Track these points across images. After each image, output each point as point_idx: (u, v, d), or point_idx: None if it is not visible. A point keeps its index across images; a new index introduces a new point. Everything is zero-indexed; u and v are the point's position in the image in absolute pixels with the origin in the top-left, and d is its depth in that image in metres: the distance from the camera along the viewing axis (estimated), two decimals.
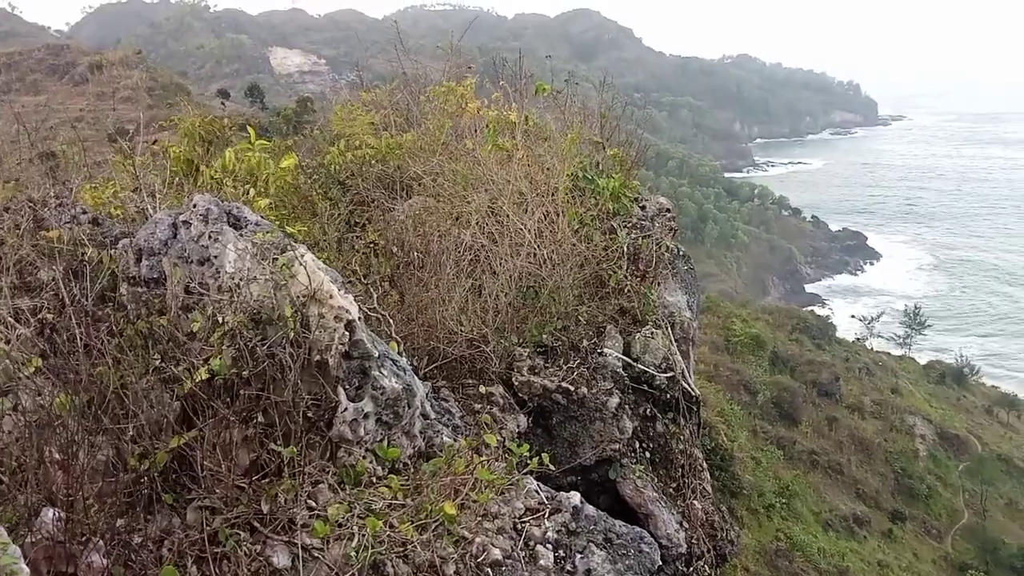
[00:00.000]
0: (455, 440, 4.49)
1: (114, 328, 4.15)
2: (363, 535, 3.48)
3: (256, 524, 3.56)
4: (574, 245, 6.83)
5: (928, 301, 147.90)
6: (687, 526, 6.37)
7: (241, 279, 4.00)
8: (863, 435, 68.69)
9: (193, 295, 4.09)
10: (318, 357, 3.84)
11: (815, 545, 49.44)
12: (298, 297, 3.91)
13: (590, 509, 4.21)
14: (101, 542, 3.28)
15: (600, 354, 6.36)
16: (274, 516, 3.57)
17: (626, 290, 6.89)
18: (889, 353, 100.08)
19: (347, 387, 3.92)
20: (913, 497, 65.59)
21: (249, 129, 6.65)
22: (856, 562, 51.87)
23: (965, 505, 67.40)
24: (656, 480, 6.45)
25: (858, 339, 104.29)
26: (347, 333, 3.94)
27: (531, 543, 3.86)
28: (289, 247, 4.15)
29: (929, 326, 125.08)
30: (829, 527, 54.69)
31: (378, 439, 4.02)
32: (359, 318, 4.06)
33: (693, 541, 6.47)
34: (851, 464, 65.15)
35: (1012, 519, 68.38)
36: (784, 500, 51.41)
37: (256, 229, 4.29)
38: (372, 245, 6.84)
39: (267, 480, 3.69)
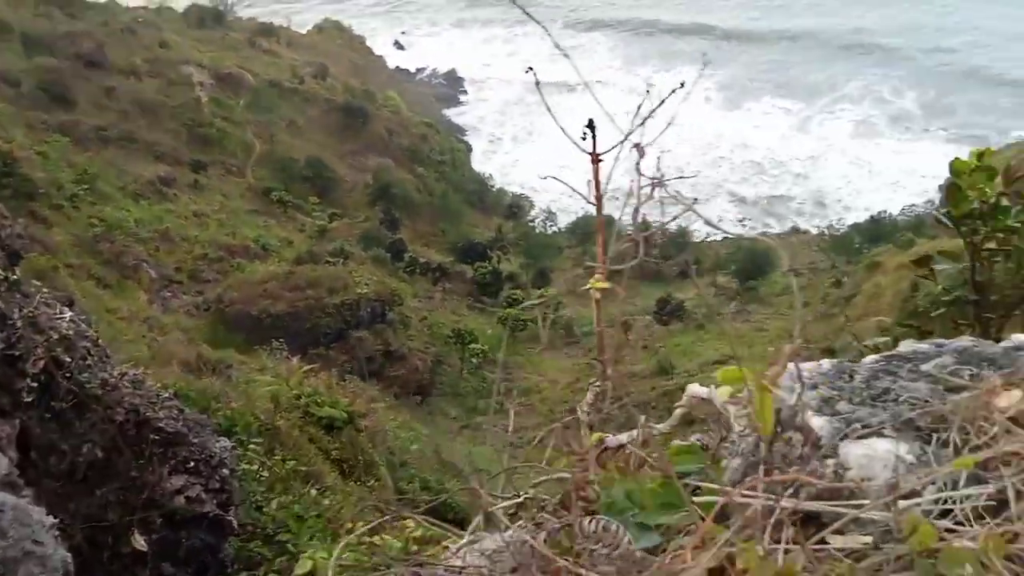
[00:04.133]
0: None
1: None
2: None
3: None
4: None
5: None
6: None
7: None
8: (144, 97, 67.86)
9: None
10: None
11: (131, 218, 49.74)
12: None
13: None
14: None
15: None
16: None
17: None
18: (146, 7, 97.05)
19: None
20: (208, 144, 68.59)
21: None
22: (174, 220, 53.96)
23: (255, 136, 72.89)
24: None
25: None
26: None
27: None
28: None
29: None
30: (140, 197, 55.01)
31: None
32: None
33: None
34: (142, 129, 64.82)
35: (295, 137, 76.46)
36: (86, 186, 49.71)
37: None
38: None
39: None
